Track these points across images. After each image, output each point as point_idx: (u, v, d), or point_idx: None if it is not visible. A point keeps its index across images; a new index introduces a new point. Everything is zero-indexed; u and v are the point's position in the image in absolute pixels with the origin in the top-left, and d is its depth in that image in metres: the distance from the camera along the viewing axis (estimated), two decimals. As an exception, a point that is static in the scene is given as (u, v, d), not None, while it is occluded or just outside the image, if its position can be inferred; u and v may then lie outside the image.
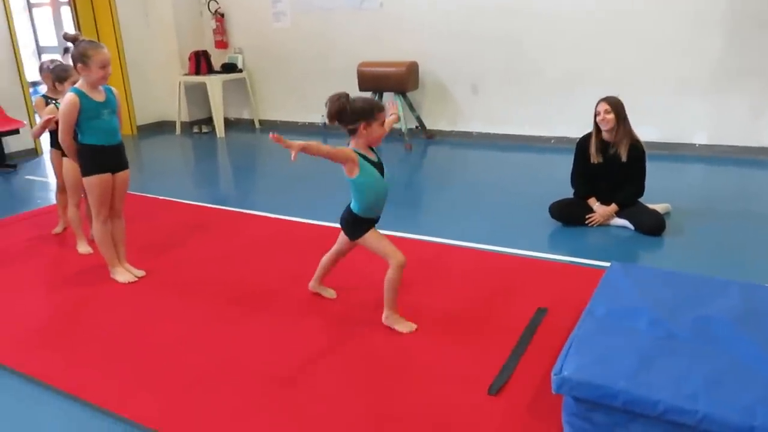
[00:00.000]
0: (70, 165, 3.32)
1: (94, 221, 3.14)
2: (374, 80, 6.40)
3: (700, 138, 5.51)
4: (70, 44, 2.94)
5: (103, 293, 3.08)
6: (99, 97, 2.96)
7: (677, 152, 5.46)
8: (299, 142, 2.28)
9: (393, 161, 6.03)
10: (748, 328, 1.94)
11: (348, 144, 2.56)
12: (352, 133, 2.50)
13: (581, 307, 2.52)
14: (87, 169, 3.02)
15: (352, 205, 2.58)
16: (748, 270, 3.09)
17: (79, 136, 2.98)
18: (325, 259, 2.86)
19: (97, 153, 2.99)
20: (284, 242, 3.71)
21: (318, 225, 3.96)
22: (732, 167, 5.13)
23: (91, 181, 3.01)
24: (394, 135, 6.81)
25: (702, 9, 5.17)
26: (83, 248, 3.63)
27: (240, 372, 2.33)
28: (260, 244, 3.70)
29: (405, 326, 2.59)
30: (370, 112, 2.45)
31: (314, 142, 2.37)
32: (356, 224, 2.58)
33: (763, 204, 4.22)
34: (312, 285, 2.94)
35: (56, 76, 3.48)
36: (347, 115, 2.43)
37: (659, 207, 3.82)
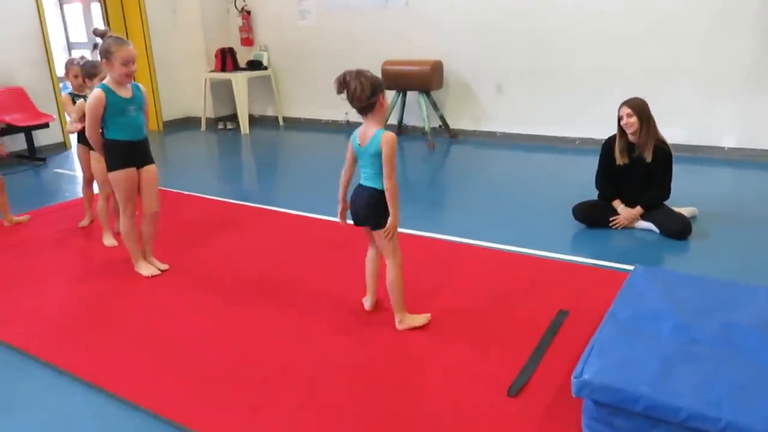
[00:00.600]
0: (98, 160, 3.39)
1: (121, 215, 3.19)
2: (398, 79, 6.40)
3: (728, 141, 5.40)
4: (99, 40, 2.99)
5: (126, 286, 3.13)
6: (125, 93, 3.00)
7: (704, 155, 5.36)
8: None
9: (416, 160, 6.03)
10: (775, 334, 1.90)
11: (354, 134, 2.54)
12: (372, 107, 2.42)
13: (603, 310, 2.50)
14: (112, 164, 3.07)
15: (377, 185, 2.45)
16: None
17: (104, 131, 3.03)
18: (369, 269, 2.71)
19: (122, 148, 3.04)
20: (307, 239, 3.72)
21: (327, 220, 3.98)
22: (762, 171, 5.02)
23: (117, 176, 3.06)
24: (417, 134, 6.82)
25: (733, 8, 5.07)
26: (109, 241, 3.70)
27: (259, 367, 2.35)
28: (283, 240, 3.72)
29: (421, 320, 2.59)
30: (382, 83, 2.43)
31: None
32: (383, 206, 2.43)
33: (793, 209, 4.13)
34: (368, 305, 2.78)
35: (86, 72, 3.56)
36: (376, 87, 2.38)
37: (685, 210, 3.76)
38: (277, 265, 3.35)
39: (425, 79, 6.27)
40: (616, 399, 1.71)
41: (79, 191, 4.55)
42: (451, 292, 2.94)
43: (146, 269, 3.23)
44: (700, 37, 5.24)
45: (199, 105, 7.66)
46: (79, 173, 4.76)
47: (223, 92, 7.85)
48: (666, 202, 3.73)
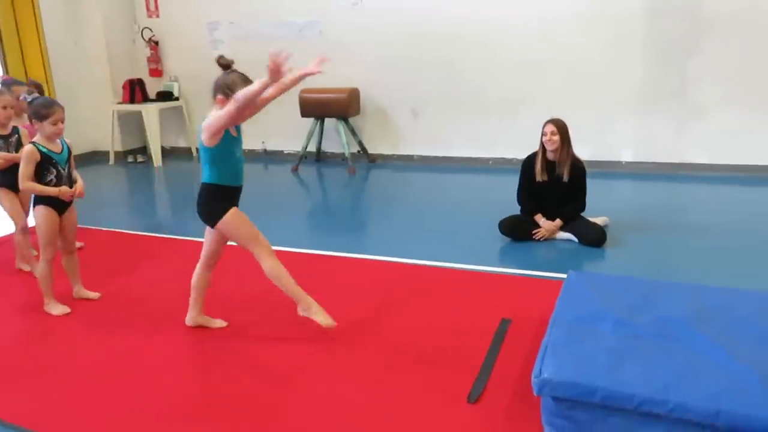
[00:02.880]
0: (41, 214, 3.12)
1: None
2: (316, 107, 6.49)
3: (626, 155, 5.90)
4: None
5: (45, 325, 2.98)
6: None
7: (607, 169, 5.81)
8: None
9: (338, 185, 6.12)
10: (702, 325, 2.12)
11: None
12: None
13: (542, 316, 2.68)
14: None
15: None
16: (681, 274, 3.35)
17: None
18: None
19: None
20: (227, 267, 3.69)
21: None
22: (657, 182, 5.52)
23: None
24: (337, 160, 6.92)
25: (623, 36, 5.59)
26: (57, 309, 3.14)
27: (170, 399, 2.31)
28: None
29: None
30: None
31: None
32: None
33: (687, 215, 4.60)
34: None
35: (35, 113, 3.12)
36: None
37: (599, 220, 4.07)
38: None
39: (343, 106, 6.40)
40: (575, 393, 1.84)
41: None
42: (395, 309, 3.02)
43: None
44: (598, 64, 5.72)
45: (107, 138, 7.36)
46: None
47: (131, 124, 7.61)
48: (582, 214, 4.02)
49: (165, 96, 7.46)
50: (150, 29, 7.50)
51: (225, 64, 2.64)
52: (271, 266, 2.66)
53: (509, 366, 2.43)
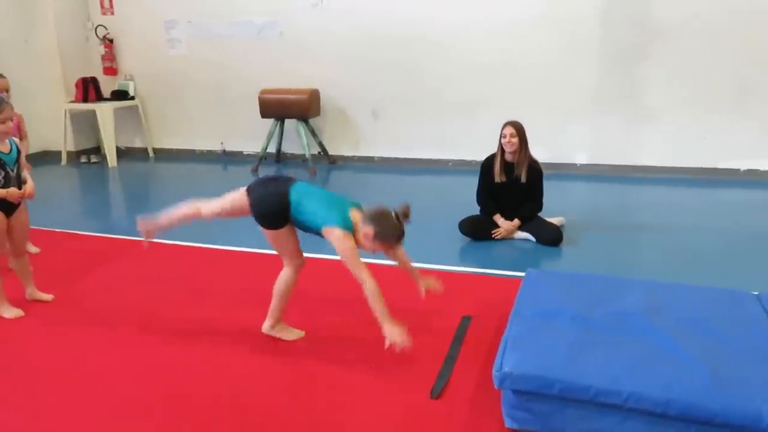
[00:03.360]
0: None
1: None
2: (276, 107, 6.45)
3: (581, 158, 6.06)
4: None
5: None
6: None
7: (563, 171, 5.96)
8: None
9: (299, 186, 6.09)
10: (654, 317, 2.22)
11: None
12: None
13: (501, 312, 2.75)
14: None
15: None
16: (634, 271, 3.48)
17: None
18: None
19: None
20: (183, 267, 3.67)
21: (217, 249, 3.98)
22: (610, 183, 5.69)
23: None
24: (297, 161, 6.90)
25: (578, 41, 5.75)
26: (9, 312, 3.05)
27: (137, 399, 2.29)
28: (157, 270, 3.63)
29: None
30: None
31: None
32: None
33: (639, 214, 4.77)
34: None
35: None
36: None
37: (555, 220, 4.17)
38: (152, 294, 3.28)
39: (303, 107, 6.38)
40: (535, 386, 1.90)
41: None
42: (357, 308, 3.01)
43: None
44: (552, 67, 5.86)
45: (59, 138, 7.15)
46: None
47: (85, 124, 7.42)
48: (539, 214, 4.12)
49: (120, 95, 7.29)
50: (104, 27, 7.33)
51: (405, 214, 2.55)
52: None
53: (471, 361, 2.48)
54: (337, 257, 2.44)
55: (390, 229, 2.43)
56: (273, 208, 2.52)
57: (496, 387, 1.97)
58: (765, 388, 1.81)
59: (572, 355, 1.99)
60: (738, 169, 5.67)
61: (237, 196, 2.61)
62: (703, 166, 5.72)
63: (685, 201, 5.11)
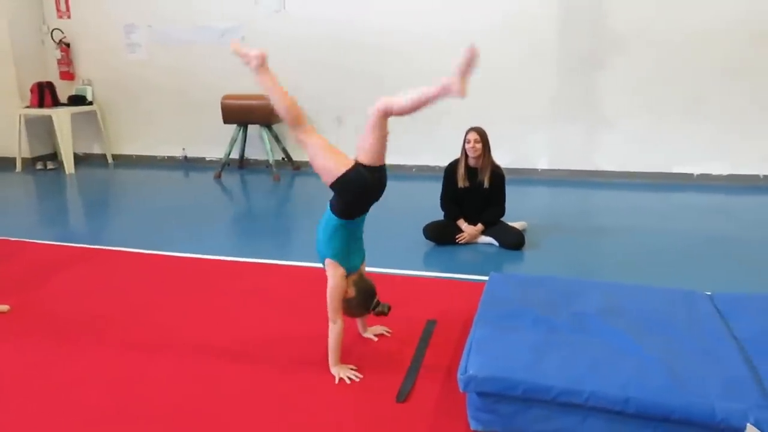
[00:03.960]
0: None
1: None
2: (239, 113, 6.40)
3: (542, 163, 6.18)
4: None
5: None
6: None
7: (525, 176, 6.06)
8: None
9: (263, 192, 6.06)
10: (613, 318, 2.28)
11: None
12: None
13: (466, 316, 2.78)
14: None
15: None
16: (594, 273, 3.56)
17: None
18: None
19: None
20: (142, 276, 3.61)
21: (177, 257, 3.93)
22: (570, 188, 5.82)
23: None
24: (261, 167, 6.85)
25: (537, 50, 5.87)
26: None
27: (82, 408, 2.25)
28: (116, 278, 3.58)
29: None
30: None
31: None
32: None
33: (598, 218, 4.88)
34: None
35: None
36: None
37: (518, 225, 4.24)
38: (113, 303, 3.22)
39: (266, 113, 6.32)
40: (499, 388, 1.93)
41: None
42: (322, 314, 3.03)
43: None
44: (513, 74, 5.97)
45: (13, 144, 6.95)
46: None
47: (40, 129, 7.22)
48: (502, 219, 4.19)
49: (77, 100, 7.13)
50: (61, 30, 7.16)
51: (380, 311, 2.53)
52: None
53: (436, 365, 2.50)
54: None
55: (360, 309, 2.51)
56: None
57: (461, 390, 1.99)
58: (718, 385, 1.88)
59: (535, 357, 2.03)
60: (692, 174, 5.85)
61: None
62: (659, 170, 5.90)
63: (642, 204, 5.25)
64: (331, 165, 2.35)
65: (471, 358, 2.05)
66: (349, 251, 2.46)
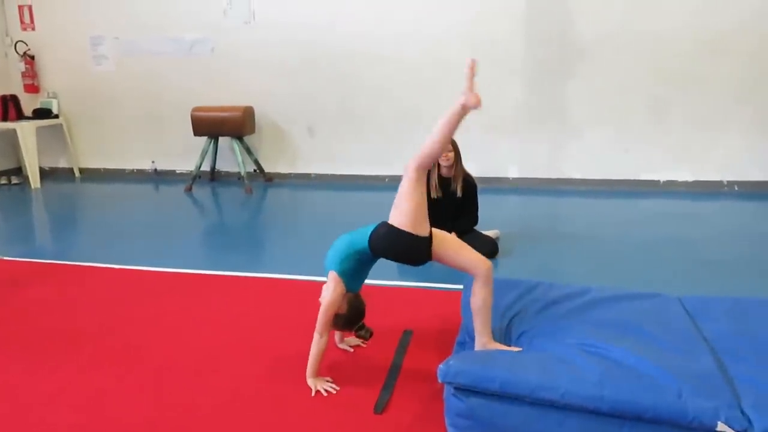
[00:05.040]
0: None
1: None
2: (209, 125, 6.36)
3: (512, 172, 6.26)
4: None
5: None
6: None
7: (495, 185, 6.13)
8: None
9: (234, 204, 6.02)
10: (587, 320, 2.32)
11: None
12: None
13: (442, 325, 2.81)
14: None
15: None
16: (567, 277, 3.61)
17: None
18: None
19: None
20: (109, 291, 3.56)
21: (147, 271, 3.88)
22: (540, 196, 5.90)
23: None
24: (233, 179, 6.80)
25: (504, 59, 5.96)
26: None
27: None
28: (82, 294, 3.51)
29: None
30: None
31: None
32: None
33: (567, 225, 4.98)
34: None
35: None
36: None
37: (491, 233, 4.28)
38: (81, 319, 3.16)
39: (237, 125, 6.31)
40: (476, 380, 1.93)
41: None
42: (296, 325, 3.00)
43: None
44: (481, 83, 5.99)
45: (-25, 159, 6.79)
46: None
47: (4, 143, 7.09)
48: (475, 227, 4.22)
49: (42, 113, 7.00)
50: (25, 43, 7.04)
51: (362, 335, 2.57)
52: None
53: (413, 375, 2.50)
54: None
55: (346, 325, 2.53)
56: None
57: (439, 381, 1.99)
58: (690, 384, 1.92)
59: (512, 356, 2.06)
60: (658, 181, 5.99)
61: None
62: (626, 177, 6.02)
63: (611, 211, 5.35)
64: (413, 221, 2.34)
65: (453, 356, 2.07)
66: (358, 276, 2.50)
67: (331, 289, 2.42)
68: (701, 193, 5.79)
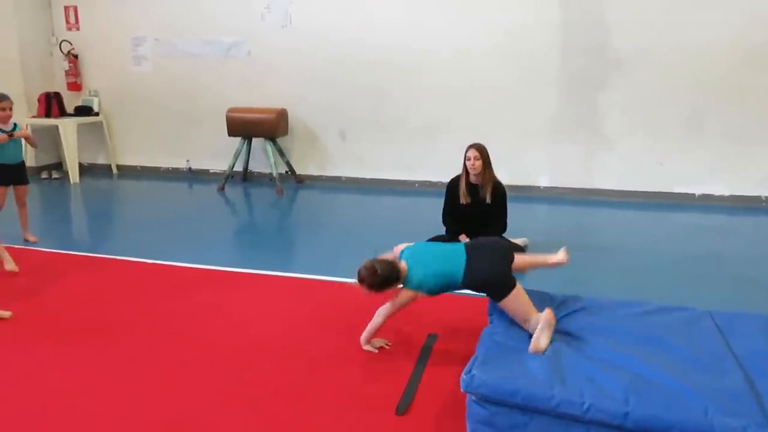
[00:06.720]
0: None
1: None
2: (244, 126, 6.46)
3: (543, 181, 6.21)
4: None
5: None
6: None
7: (526, 194, 6.09)
8: None
9: (265, 206, 6.09)
10: (615, 334, 2.30)
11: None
12: None
13: (467, 330, 2.80)
14: None
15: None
16: (596, 289, 3.56)
17: None
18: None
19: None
20: (144, 284, 3.66)
21: (179, 266, 3.97)
22: (569, 206, 5.84)
23: None
24: (264, 180, 6.89)
25: (538, 68, 5.92)
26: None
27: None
28: (118, 287, 3.61)
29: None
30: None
31: None
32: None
33: (599, 236, 4.90)
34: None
35: None
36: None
37: (519, 241, 4.26)
38: (115, 311, 3.25)
39: (271, 127, 6.40)
40: (499, 392, 1.94)
41: None
42: (324, 326, 3.05)
43: None
44: (514, 92, 6.02)
45: (19, 153, 6.99)
46: None
47: (46, 139, 7.28)
48: (503, 234, 4.20)
49: (84, 111, 7.20)
50: (69, 42, 7.25)
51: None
52: None
53: (436, 378, 2.51)
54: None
55: (373, 283, 2.70)
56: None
57: (462, 390, 2.00)
58: (717, 401, 1.88)
59: (537, 368, 2.04)
60: (693, 194, 5.88)
61: None
62: (660, 190, 5.92)
63: (643, 223, 5.27)
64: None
65: (476, 363, 2.07)
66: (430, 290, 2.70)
67: (409, 296, 2.68)
68: (738, 208, 5.66)
